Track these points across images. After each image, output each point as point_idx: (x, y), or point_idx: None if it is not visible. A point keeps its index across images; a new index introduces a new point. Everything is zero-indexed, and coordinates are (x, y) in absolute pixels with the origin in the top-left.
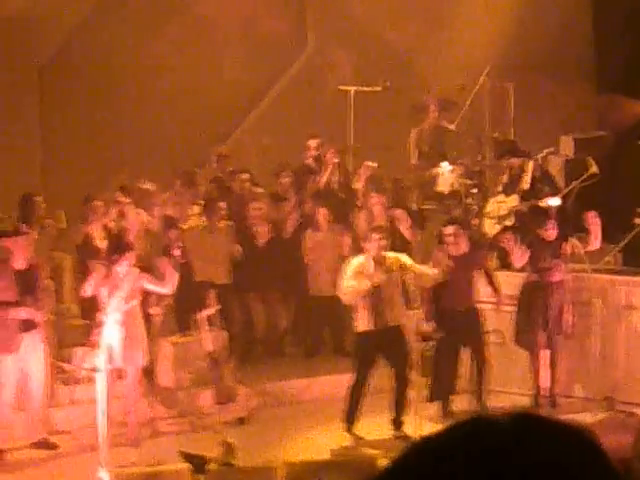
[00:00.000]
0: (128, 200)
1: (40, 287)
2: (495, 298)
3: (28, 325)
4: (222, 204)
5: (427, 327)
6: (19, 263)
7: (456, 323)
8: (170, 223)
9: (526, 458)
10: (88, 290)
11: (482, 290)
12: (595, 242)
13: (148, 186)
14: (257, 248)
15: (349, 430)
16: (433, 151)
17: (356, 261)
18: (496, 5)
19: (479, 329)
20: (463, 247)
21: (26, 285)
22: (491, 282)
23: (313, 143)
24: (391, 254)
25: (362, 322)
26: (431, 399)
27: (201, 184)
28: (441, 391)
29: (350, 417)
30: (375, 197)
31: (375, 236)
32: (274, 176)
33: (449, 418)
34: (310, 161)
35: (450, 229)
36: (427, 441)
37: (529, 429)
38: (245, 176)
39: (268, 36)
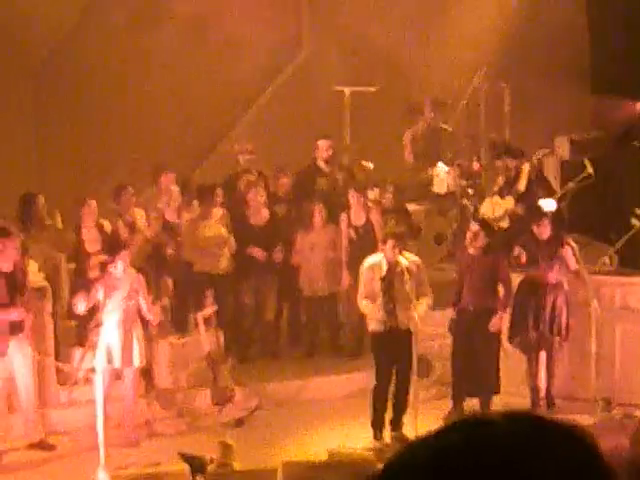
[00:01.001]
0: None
1: (27, 289)
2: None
3: (15, 328)
4: (218, 191)
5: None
6: (5, 265)
7: (467, 324)
8: (169, 229)
9: (522, 457)
10: (81, 307)
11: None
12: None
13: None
14: (254, 236)
15: (378, 437)
16: (429, 152)
17: (371, 260)
18: (491, 6)
19: (490, 333)
20: (481, 247)
21: (13, 287)
22: (504, 288)
23: (323, 144)
24: (408, 258)
25: (373, 322)
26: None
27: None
28: (454, 391)
29: (376, 422)
30: (354, 195)
31: (390, 242)
32: (273, 177)
33: (450, 419)
34: (320, 162)
35: (476, 226)
36: (424, 441)
37: (524, 428)
38: (252, 177)
39: (264, 37)
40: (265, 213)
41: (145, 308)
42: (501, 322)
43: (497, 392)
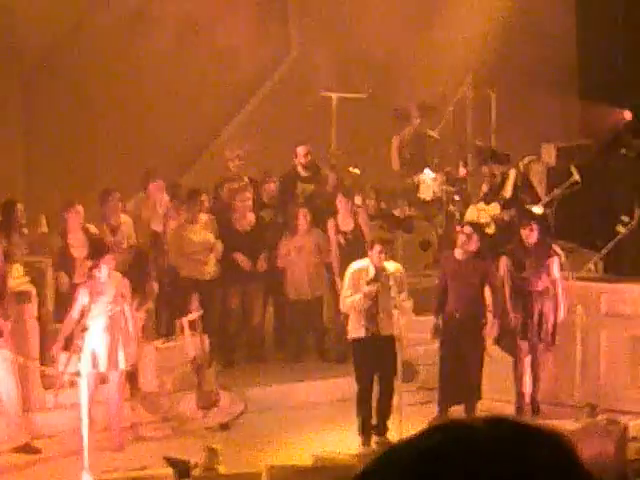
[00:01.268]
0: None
1: (6, 295)
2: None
3: None
4: (204, 196)
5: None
6: None
7: (454, 329)
8: (155, 239)
9: (500, 462)
10: (62, 363)
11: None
12: None
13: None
14: (239, 241)
15: (366, 443)
16: (415, 158)
17: (357, 265)
18: (479, 13)
19: (476, 338)
20: (471, 251)
21: None
22: (493, 295)
23: (302, 150)
24: (392, 265)
25: (354, 329)
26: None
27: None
28: (440, 397)
29: (364, 429)
30: (342, 201)
31: (377, 247)
32: (259, 183)
33: None
34: (298, 168)
35: (467, 229)
36: (405, 444)
37: (503, 433)
38: (235, 185)
39: (252, 42)
40: (251, 218)
41: (128, 313)
42: (495, 329)
43: (479, 397)
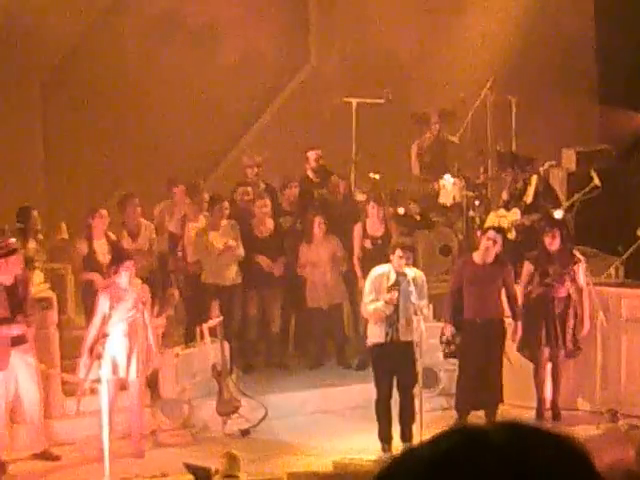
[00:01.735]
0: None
1: (28, 302)
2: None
3: (17, 340)
4: (225, 203)
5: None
6: (6, 279)
7: (474, 335)
8: (174, 241)
9: (514, 466)
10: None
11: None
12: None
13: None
14: (259, 247)
15: (386, 449)
16: (435, 163)
17: (378, 270)
18: (499, 18)
19: (496, 343)
20: (491, 257)
21: (15, 300)
22: (510, 299)
23: (312, 155)
24: (412, 271)
25: (374, 334)
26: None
27: (205, 194)
28: (459, 404)
29: (384, 435)
30: (374, 207)
31: (398, 252)
32: (279, 189)
33: None
34: (309, 173)
35: (492, 233)
36: (414, 449)
37: (517, 438)
38: (248, 189)
39: (271, 48)
40: (270, 224)
41: (148, 319)
42: (519, 333)
43: (502, 401)
